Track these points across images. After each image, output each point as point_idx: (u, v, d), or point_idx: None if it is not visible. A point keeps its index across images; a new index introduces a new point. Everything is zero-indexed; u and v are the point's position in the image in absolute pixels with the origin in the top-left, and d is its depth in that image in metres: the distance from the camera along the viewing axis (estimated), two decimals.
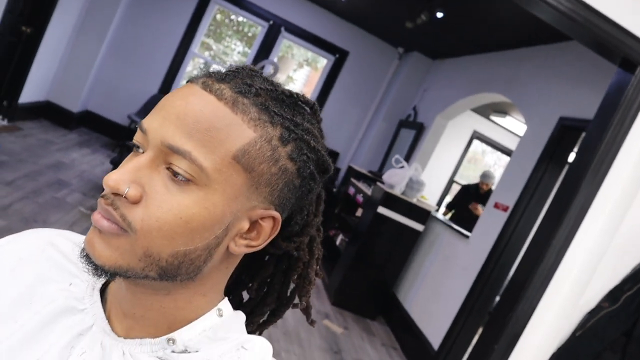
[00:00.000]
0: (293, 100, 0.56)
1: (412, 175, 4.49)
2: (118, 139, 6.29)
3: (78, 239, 0.66)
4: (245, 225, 0.55)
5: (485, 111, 6.61)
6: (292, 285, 0.69)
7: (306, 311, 0.68)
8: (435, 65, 6.46)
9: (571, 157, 3.71)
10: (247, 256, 0.61)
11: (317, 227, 0.66)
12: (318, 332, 3.78)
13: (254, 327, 0.67)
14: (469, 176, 8.16)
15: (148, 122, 0.52)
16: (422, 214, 4.50)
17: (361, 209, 5.32)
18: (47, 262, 0.62)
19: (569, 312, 2.11)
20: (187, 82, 0.56)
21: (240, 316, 0.61)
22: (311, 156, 0.56)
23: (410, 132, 6.06)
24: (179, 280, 0.53)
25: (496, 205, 3.89)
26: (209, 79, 0.53)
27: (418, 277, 4.52)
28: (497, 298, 4.17)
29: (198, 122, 0.50)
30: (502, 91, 4.54)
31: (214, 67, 0.57)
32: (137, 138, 0.53)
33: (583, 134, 3.51)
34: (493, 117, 6.65)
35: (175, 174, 0.50)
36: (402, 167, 4.57)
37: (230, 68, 0.56)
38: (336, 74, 6.96)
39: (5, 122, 4.96)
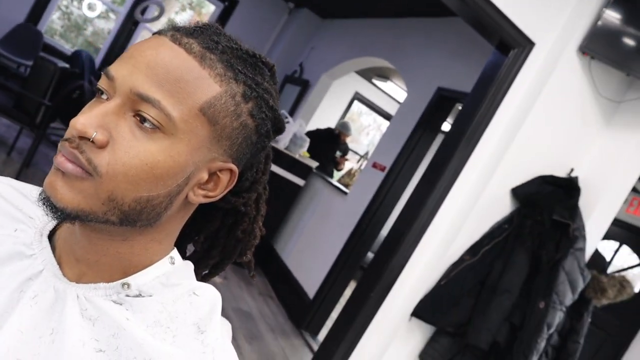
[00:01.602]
0: (255, 60, 0.59)
1: (296, 131, 4.59)
2: None
3: (18, 185, 0.64)
4: (205, 176, 0.57)
5: (368, 74, 6.87)
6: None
7: (249, 265, 0.73)
8: (324, 25, 6.53)
9: (445, 125, 4.02)
10: (195, 210, 0.64)
11: (264, 185, 0.70)
12: None
13: (197, 278, 0.69)
14: None
15: (116, 69, 0.53)
16: (303, 169, 4.64)
17: None
18: None
19: (437, 264, 2.37)
20: (154, 34, 0.57)
21: (190, 265, 0.65)
22: (269, 115, 0.60)
23: (295, 89, 6.13)
24: (138, 226, 0.55)
25: (374, 165, 4.14)
26: (178, 33, 0.55)
27: (296, 230, 4.69)
28: (369, 254, 4.50)
29: (168, 72, 0.52)
30: (386, 57, 4.75)
31: (179, 22, 0.58)
32: (103, 84, 0.53)
33: (457, 105, 3.83)
34: (375, 81, 6.93)
35: (142, 121, 0.51)
36: (287, 122, 4.65)
37: (197, 24, 0.57)
38: (223, 23, 6.76)
39: None
